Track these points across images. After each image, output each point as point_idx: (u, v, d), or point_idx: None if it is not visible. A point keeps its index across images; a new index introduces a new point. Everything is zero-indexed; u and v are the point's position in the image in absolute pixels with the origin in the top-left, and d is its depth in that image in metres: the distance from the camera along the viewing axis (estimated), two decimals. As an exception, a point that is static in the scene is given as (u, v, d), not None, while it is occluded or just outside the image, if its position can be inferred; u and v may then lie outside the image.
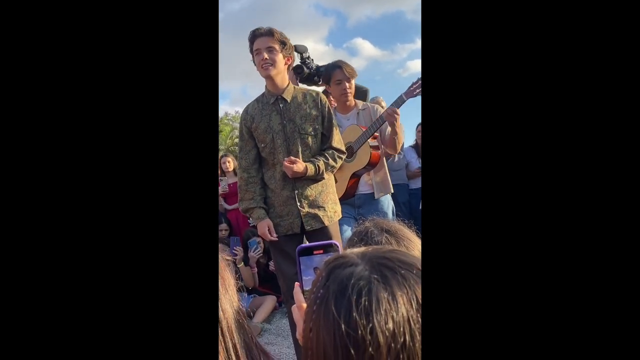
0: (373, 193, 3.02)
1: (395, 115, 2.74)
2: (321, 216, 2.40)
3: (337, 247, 0.88)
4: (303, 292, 0.84)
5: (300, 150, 2.39)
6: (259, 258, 3.90)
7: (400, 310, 0.52)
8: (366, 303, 0.53)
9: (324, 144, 2.46)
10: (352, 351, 0.52)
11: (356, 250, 0.62)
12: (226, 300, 0.83)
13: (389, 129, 2.87)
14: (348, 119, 3.04)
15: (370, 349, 0.51)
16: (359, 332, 0.52)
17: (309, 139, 2.40)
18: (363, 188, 3.02)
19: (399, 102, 2.75)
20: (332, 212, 2.44)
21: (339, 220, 2.55)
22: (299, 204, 2.39)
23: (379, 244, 0.99)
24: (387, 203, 3.13)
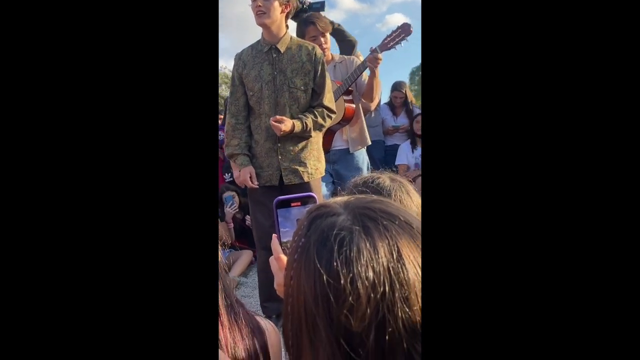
0: (348, 148, 3.03)
1: (378, 60, 2.73)
2: (301, 172, 2.40)
3: (315, 199, 0.88)
4: (280, 243, 0.84)
5: (287, 104, 2.34)
6: (234, 213, 3.90)
7: (380, 261, 0.53)
8: (347, 253, 0.53)
9: (314, 101, 2.41)
10: (333, 300, 0.52)
11: (339, 199, 0.62)
12: None
13: (365, 78, 2.85)
14: None
15: (350, 299, 0.52)
16: (340, 281, 0.52)
17: (299, 93, 2.36)
18: (338, 143, 3.02)
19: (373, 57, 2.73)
20: (313, 169, 2.43)
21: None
22: (279, 157, 2.37)
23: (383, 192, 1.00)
24: (362, 158, 3.15)
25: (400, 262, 0.54)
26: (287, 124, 2.27)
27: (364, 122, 3.08)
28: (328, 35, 2.96)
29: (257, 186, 2.37)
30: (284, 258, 0.81)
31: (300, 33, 2.94)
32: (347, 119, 2.92)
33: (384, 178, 1.09)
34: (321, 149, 2.55)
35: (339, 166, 3.03)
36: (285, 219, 0.87)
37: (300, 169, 2.39)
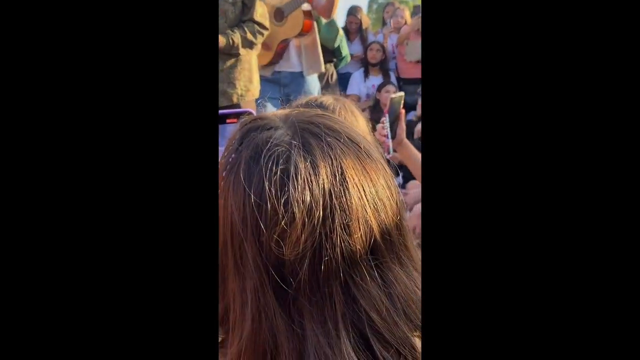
0: (302, 72, 2.90)
1: None
2: (230, 93, 2.26)
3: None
4: None
5: None
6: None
7: (321, 182, 0.47)
8: (282, 172, 0.46)
9: (244, 15, 2.24)
10: (262, 224, 0.46)
11: (279, 112, 0.54)
12: None
13: None
14: None
15: (282, 223, 0.46)
16: (272, 204, 0.46)
17: (226, 6, 2.17)
18: (292, 63, 2.88)
19: None
20: (244, 90, 2.29)
21: (262, 101, 2.43)
22: None
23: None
24: (315, 84, 3.05)
25: (343, 186, 0.47)
26: None
27: (319, 43, 2.95)
28: None
29: None
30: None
31: None
32: (303, 35, 2.77)
33: (328, 97, 1.03)
34: (255, 68, 2.40)
35: (289, 90, 2.91)
36: (220, 137, 0.80)
37: (229, 90, 2.25)
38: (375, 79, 4.24)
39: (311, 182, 0.46)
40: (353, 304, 0.47)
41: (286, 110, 0.54)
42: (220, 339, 0.53)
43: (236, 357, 0.48)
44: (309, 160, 0.47)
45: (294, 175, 0.46)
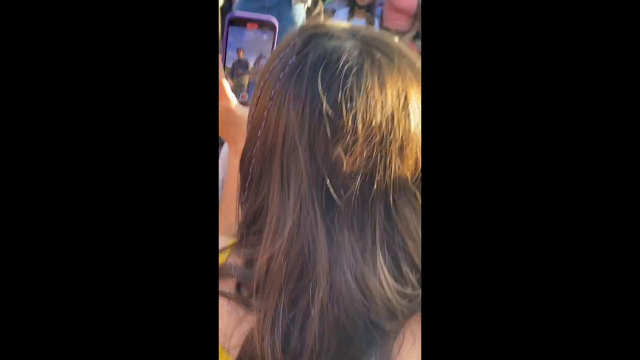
0: (290, -1, 2.79)
1: None
2: None
3: (276, 28, 0.76)
4: (224, 67, 0.75)
5: None
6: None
7: (388, 103, 0.46)
8: (355, 85, 0.46)
9: None
10: (329, 134, 0.46)
11: (342, 24, 0.52)
12: None
13: None
14: None
15: (348, 138, 0.45)
16: (341, 115, 0.45)
17: None
18: None
19: None
20: None
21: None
22: None
23: None
24: (300, 13, 2.95)
25: (405, 110, 0.47)
26: None
27: None
28: None
29: None
30: (226, 84, 0.72)
31: None
32: None
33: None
34: None
35: (273, 13, 2.80)
36: (236, 40, 0.76)
37: None
38: (359, 22, 4.13)
39: (379, 101, 0.46)
40: (391, 226, 0.48)
41: (347, 24, 0.52)
42: (223, 259, 0.53)
43: (265, 265, 0.48)
44: (378, 78, 0.46)
45: (365, 91, 0.46)
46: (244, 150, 0.53)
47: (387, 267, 0.47)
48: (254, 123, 0.51)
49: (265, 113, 0.49)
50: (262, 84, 0.51)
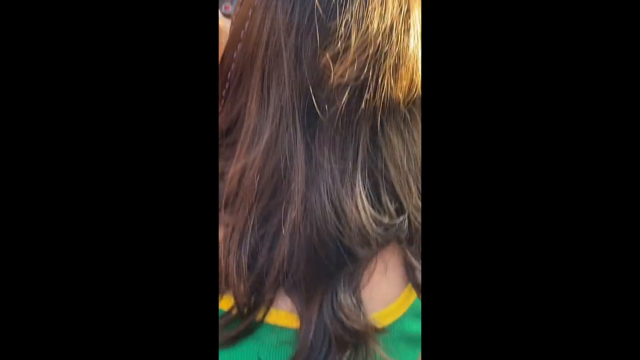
0: None
1: None
2: None
3: None
4: None
5: None
6: None
7: (387, 12, 0.42)
8: None
9: None
10: (318, 39, 0.41)
11: None
12: None
13: None
14: None
15: (338, 45, 0.41)
16: (333, 20, 0.41)
17: None
18: None
19: None
20: None
21: None
22: None
23: None
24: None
25: (405, 24, 0.43)
26: None
27: None
28: None
29: None
30: None
31: None
32: None
33: None
34: None
35: None
36: None
37: None
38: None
39: (377, 6, 0.42)
40: (375, 151, 0.45)
41: None
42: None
43: (239, 173, 0.45)
44: None
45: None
46: (223, 54, 0.49)
47: (366, 194, 0.45)
48: (237, 23, 0.47)
49: (251, 11, 0.45)
50: None
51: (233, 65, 0.47)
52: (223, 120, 0.49)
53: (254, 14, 0.44)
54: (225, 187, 0.45)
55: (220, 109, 0.50)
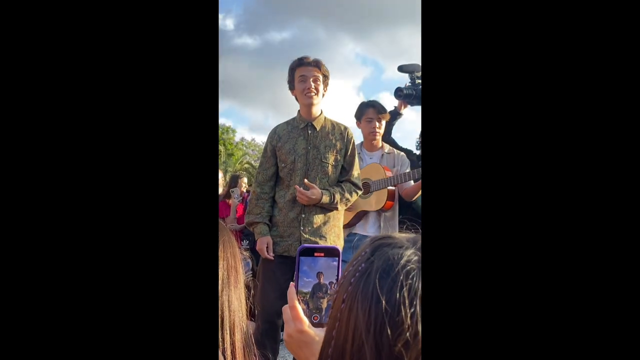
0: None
1: None
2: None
3: (340, 254, 0.86)
4: (297, 291, 0.83)
5: (318, 176, 2.44)
6: (249, 273, 3.89)
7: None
8: (413, 286, 0.50)
9: (342, 176, 2.51)
10: (389, 331, 0.49)
11: (404, 234, 0.60)
12: (235, 296, 0.83)
13: (412, 183, 2.93)
14: (371, 157, 3.07)
15: (407, 334, 0.48)
16: (399, 313, 0.49)
17: (329, 167, 2.45)
18: (365, 229, 3.00)
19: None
20: (332, 243, 2.45)
21: None
22: (302, 228, 2.40)
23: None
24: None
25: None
26: (315, 192, 2.35)
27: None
28: (383, 122, 3.05)
29: (272, 257, 2.39)
30: (299, 307, 0.79)
31: (360, 112, 3.06)
32: (385, 210, 2.97)
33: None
34: (342, 226, 2.57)
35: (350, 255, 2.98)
36: (308, 268, 0.85)
37: (321, 242, 2.40)
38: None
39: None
40: None
41: (411, 235, 0.59)
42: None
43: None
44: None
45: (420, 292, 0.50)
46: (320, 352, 0.57)
47: None
48: (330, 324, 0.56)
49: (339, 314, 0.54)
50: (338, 289, 0.58)
51: (333, 351, 0.55)
52: None
53: (342, 316, 0.54)
54: None
55: None
